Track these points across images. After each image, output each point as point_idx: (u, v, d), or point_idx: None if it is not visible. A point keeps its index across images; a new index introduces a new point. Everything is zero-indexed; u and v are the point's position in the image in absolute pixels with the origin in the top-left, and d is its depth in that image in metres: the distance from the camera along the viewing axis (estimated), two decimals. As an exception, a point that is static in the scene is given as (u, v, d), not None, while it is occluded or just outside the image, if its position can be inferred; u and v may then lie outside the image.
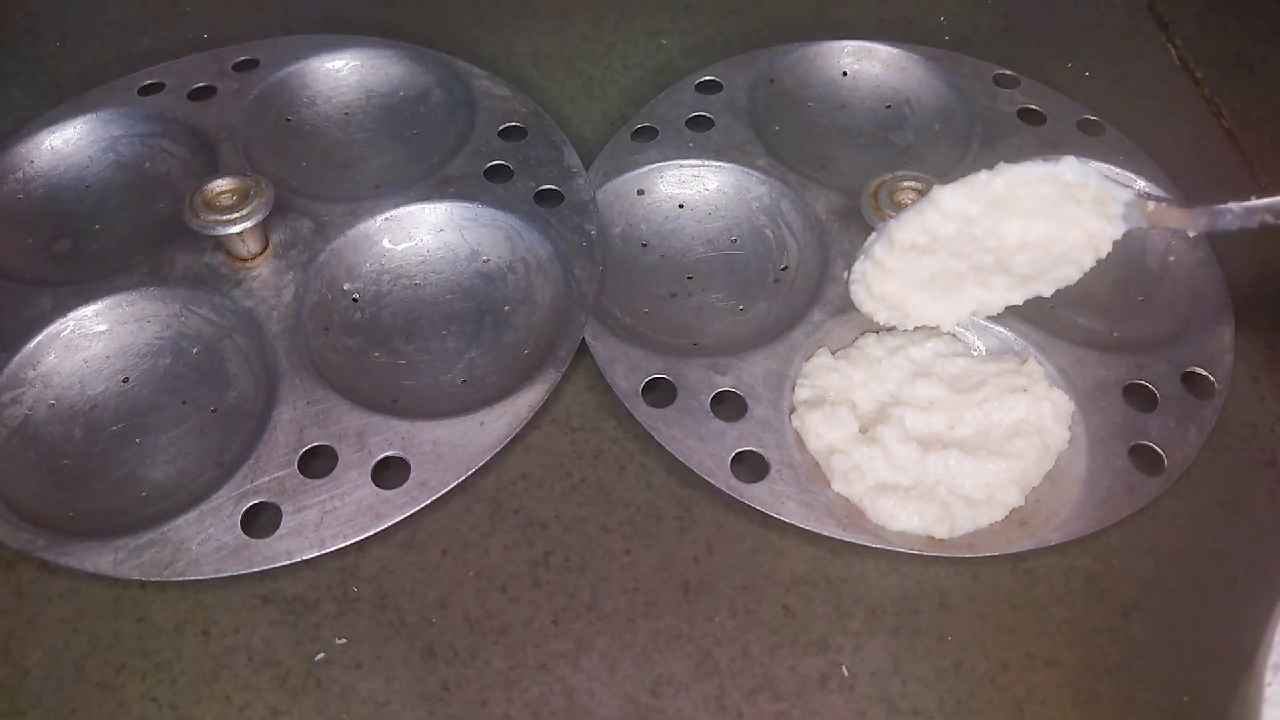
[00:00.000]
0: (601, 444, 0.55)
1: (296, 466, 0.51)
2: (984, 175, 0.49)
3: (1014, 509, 0.51)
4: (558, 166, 0.65)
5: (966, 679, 0.47)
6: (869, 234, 0.60)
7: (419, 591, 0.50)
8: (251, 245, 0.59)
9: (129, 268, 0.59)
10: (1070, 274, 0.52)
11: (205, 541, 0.49)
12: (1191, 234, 0.49)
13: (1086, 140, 0.66)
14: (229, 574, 0.49)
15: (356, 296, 0.60)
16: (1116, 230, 0.50)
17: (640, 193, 0.65)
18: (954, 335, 0.57)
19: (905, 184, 0.59)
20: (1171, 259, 0.61)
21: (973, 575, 0.50)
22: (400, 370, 0.57)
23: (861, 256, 0.53)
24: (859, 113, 0.71)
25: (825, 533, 0.50)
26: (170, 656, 0.48)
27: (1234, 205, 0.48)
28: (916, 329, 0.56)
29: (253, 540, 0.49)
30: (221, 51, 0.72)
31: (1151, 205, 0.49)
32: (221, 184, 0.58)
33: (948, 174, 0.63)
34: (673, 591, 0.50)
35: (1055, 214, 0.50)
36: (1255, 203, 0.47)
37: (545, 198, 0.63)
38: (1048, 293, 0.53)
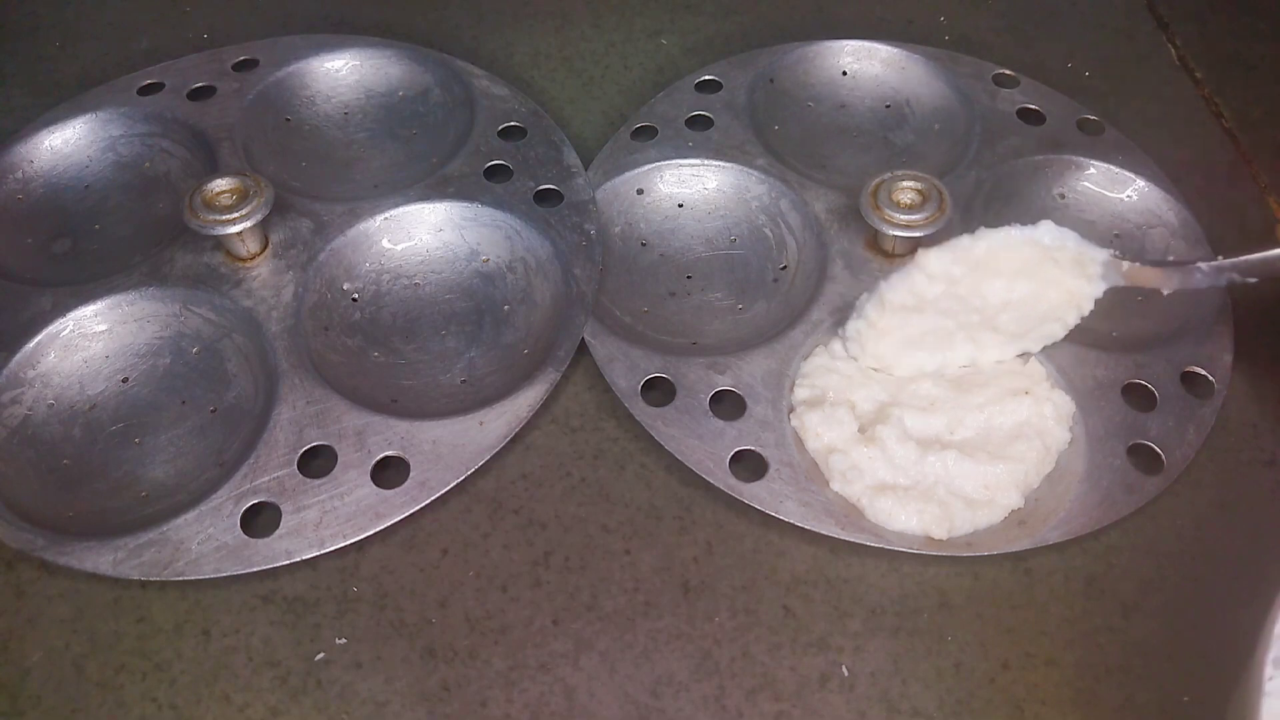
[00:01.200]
0: (601, 444, 0.55)
1: (296, 466, 0.51)
2: (965, 240, 0.52)
3: (1013, 510, 0.51)
4: (557, 166, 0.65)
5: (966, 679, 0.47)
6: (868, 233, 0.61)
7: (419, 591, 0.50)
8: (251, 245, 0.59)
9: (129, 268, 0.59)
10: (1055, 331, 0.55)
11: (205, 541, 0.49)
12: (1165, 292, 0.53)
13: (1086, 140, 0.66)
14: (229, 574, 0.49)
15: (356, 296, 0.60)
16: (1096, 289, 0.53)
17: (640, 192, 0.65)
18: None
19: (904, 183, 0.59)
20: (1171, 259, 0.61)
21: (973, 575, 0.50)
22: (400, 370, 0.57)
23: (855, 316, 0.55)
24: (859, 112, 0.71)
25: (824, 532, 0.50)
26: (170, 656, 0.48)
27: (1203, 265, 0.52)
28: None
29: (252, 540, 0.49)
30: (221, 51, 0.72)
31: (1126, 265, 0.52)
32: (221, 184, 0.58)
33: (947, 174, 0.64)
34: (673, 591, 0.50)
35: (1036, 274, 0.53)
36: (1223, 262, 0.51)
37: (545, 197, 0.63)
38: (1035, 349, 0.55)
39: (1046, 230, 0.52)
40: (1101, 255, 0.52)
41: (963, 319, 0.54)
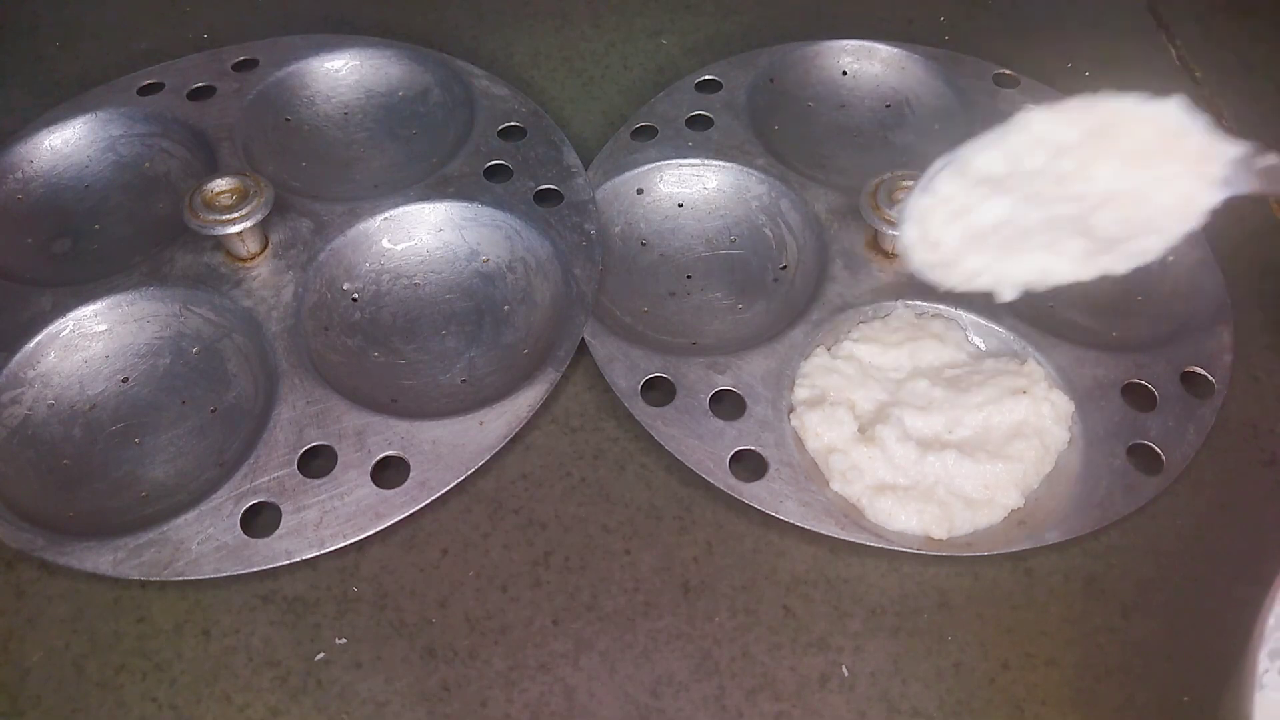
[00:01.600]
0: (601, 444, 0.55)
1: (296, 466, 0.51)
2: (1082, 100, 0.43)
3: (1013, 510, 0.51)
4: (557, 166, 0.65)
5: (966, 679, 0.47)
6: (868, 233, 0.61)
7: (419, 591, 0.50)
8: (251, 245, 0.59)
9: (129, 268, 0.59)
10: (1154, 246, 0.44)
11: (205, 541, 0.49)
12: None
13: (1086, 140, 0.66)
14: (229, 574, 0.49)
15: (356, 296, 0.60)
16: (1214, 196, 0.42)
17: (640, 192, 0.65)
18: (954, 337, 0.57)
19: (904, 183, 0.59)
20: (1171, 259, 0.61)
21: (973, 575, 0.50)
22: (400, 370, 0.57)
23: (919, 190, 0.46)
24: (859, 112, 0.71)
25: (824, 532, 0.50)
26: (170, 656, 0.48)
27: None
28: (921, 320, 0.57)
29: (252, 540, 0.49)
30: (221, 51, 0.72)
31: (1264, 161, 0.41)
32: (221, 184, 0.58)
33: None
34: (673, 591, 0.50)
35: (1151, 166, 0.43)
36: None
37: (545, 197, 0.63)
38: (1121, 269, 0.45)
39: (1176, 107, 0.42)
40: (1233, 151, 0.42)
41: (1052, 210, 0.44)
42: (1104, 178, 0.43)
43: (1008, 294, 0.45)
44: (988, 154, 0.44)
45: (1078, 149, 0.43)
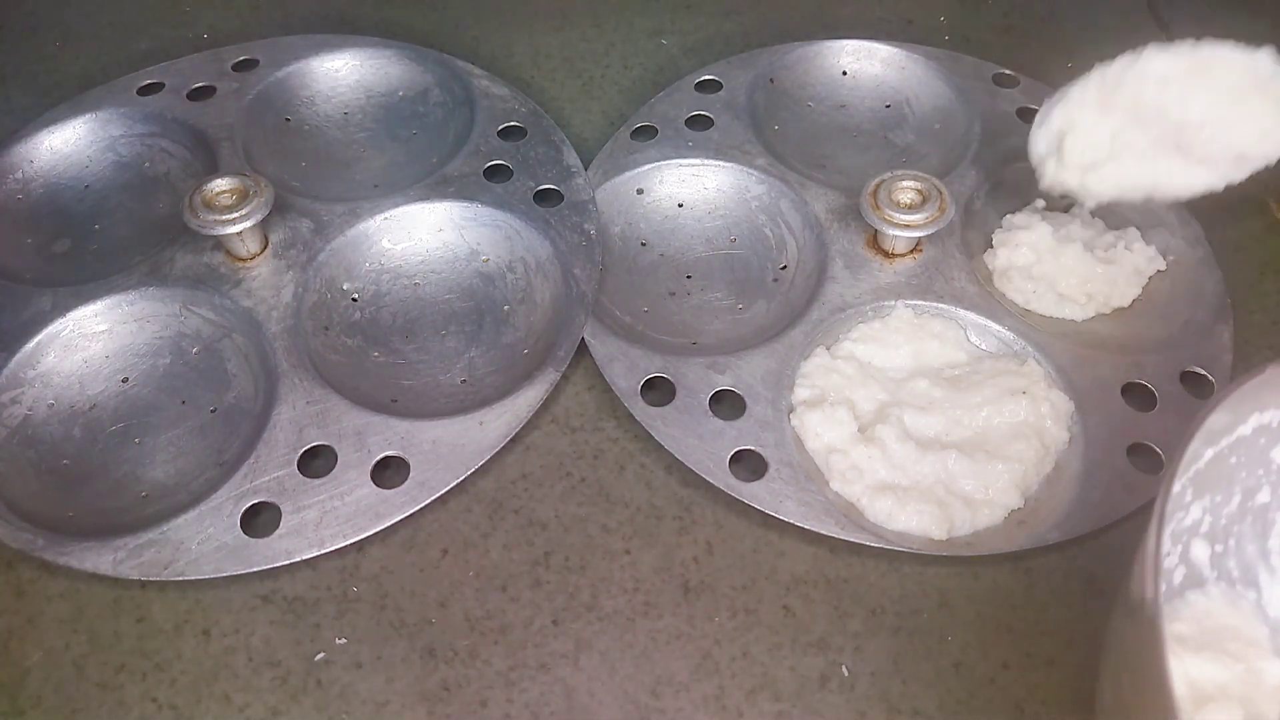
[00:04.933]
0: (601, 443, 0.55)
1: (296, 466, 0.52)
2: (1189, 44, 0.54)
3: (1013, 510, 0.51)
4: (557, 166, 0.65)
5: (966, 679, 0.47)
6: (868, 233, 0.61)
7: (419, 591, 0.50)
8: (251, 245, 0.59)
9: (129, 268, 0.59)
10: (1240, 170, 0.55)
11: (205, 541, 0.49)
12: None
13: (1086, 140, 0.66)
14: (229, 574, 0.49)
15: (356, 296, 0.60)
16: None
17: (640, 192, 0.65)
18: (954, 337, 0.57)
19: (904, 183, 0.59)
20: (1171, 259, 0.61)
21: (973, 575, 0.50)
22: (400, 370, 0.57)
23: (1059, 103, 0.57)
24: (859, 112, 0.71)
25: (824, 532, 0.50)
26: (170, 656, 0.48)
27: None
28: (921, 320, 0.57)
29: (252, 540, 0.49)
30: (221, 51, 0.72)
31: None
32: (221, 184, 0.58)
33: (947, 174, 0.64)
34: (673, 591, 0.50)
35: (1242, 102, 0.54)
36: None
37: (544, 197, 0.63)
38: (1219, 185, 0.56)
39: (1266, 56, 0.53)
40: None
41: (1157, 133, 0.55)
42: (1199, 107, 0.54)
43: (1130, 196, 0.56)
44: (1114, 84, 0.55)
45: (1179, 83, 0.54)
